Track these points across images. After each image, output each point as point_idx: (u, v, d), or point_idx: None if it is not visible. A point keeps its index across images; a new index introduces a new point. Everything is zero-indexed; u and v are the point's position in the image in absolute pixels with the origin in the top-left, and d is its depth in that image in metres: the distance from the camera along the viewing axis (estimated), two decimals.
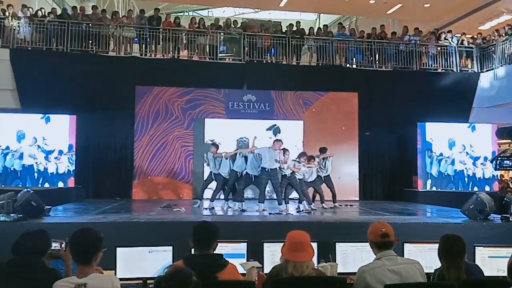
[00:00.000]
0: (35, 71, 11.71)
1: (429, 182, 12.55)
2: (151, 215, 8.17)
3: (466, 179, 12.70)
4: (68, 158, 11.39)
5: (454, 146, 12.73)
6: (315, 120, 12.88)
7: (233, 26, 13.69)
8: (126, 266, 3.82)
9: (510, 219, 7.23)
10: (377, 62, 13.98)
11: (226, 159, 9.33)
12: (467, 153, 12.73)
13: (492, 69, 13.60)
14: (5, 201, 6.57)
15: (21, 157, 11.21)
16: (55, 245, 3.30)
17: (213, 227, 3.28)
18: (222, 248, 3.64)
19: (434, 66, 14.20)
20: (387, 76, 13.61)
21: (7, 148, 11.19)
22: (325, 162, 10.16)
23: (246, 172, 9.18)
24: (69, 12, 13.34)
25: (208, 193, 9.89)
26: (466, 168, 12.72)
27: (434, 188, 12.53)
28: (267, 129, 12.43)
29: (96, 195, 11.73)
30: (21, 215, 6.53)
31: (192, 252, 3.25)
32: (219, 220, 7.52)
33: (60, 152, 11.38)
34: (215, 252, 3.19)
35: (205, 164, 9.94)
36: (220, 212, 9.07)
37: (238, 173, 9.22)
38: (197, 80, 12.60)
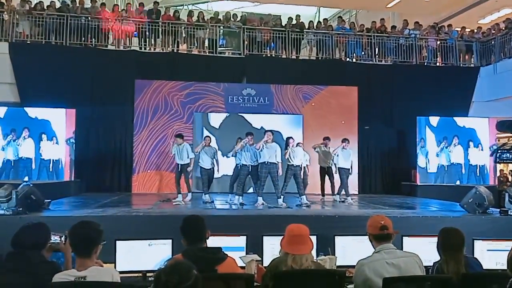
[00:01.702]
0: (34, 64, 11.68)
1: (426, 175, 12.59)
2: (150, 208, 8.19)
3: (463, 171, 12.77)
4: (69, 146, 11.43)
5: (451, 139, 12.76)
6: (315, 114, 12.87)
7: (233, 20, 13.65)
8: (126, 259, 3.84)
9: (509, 213, 7.25)
10: (376, 56, 13.96)
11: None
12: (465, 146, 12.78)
13: (492, 63, 13.58)
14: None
15: (16, 150, 11.21)
16: (54, 238, 3.31)
17: (199, 218, 3.26)
18: (221, 241, 3.66)
19: (434, 60, 14.17)
20: (387, 70, 13.59)
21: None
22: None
23: (242, 164, 9.19)
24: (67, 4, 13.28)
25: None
26: (464, 162, 12.76)
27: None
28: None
29: (96, 188, 11.72)
30: (20, 209, 6.53)
31: None
32: (218, 214, 7.53)
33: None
34: (207, 243, 3.18)
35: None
36: (220, 205, 9.08)
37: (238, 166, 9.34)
38: (196, 74, 12.58)
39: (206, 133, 12.33)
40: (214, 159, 9.71)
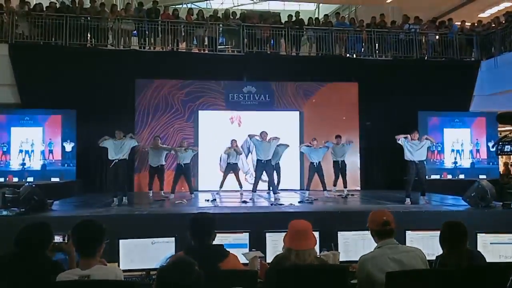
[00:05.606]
0: (34, 65, 11.66)
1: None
2: (153, 207, 8.20)
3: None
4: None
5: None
6: (316, 110, 12.85)
7: (232, 18, 13.62)
8: (129, 257, 3.84)
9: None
10: (377, 52, 13.91)
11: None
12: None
13: (493, 56, 13.54)
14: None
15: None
16: (58, 238, 3.32)
17: (210, 217, 3.25)
18: (224, 239, 3.67)
19: (434, 55, 14.14)
20: (387, 66, 13.53)
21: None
22: None
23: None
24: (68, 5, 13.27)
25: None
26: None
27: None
28: None
29: (98, 189, 11.73)
30: (23, 209, 6.55)
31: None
32: (221, 212, 7.54)
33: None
34: (214, 242, 3.18)
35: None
36: (222, 203, 9.10)
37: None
38: (196, 72, 12.56)
39: (205, 131, 12.38)
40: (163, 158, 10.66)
